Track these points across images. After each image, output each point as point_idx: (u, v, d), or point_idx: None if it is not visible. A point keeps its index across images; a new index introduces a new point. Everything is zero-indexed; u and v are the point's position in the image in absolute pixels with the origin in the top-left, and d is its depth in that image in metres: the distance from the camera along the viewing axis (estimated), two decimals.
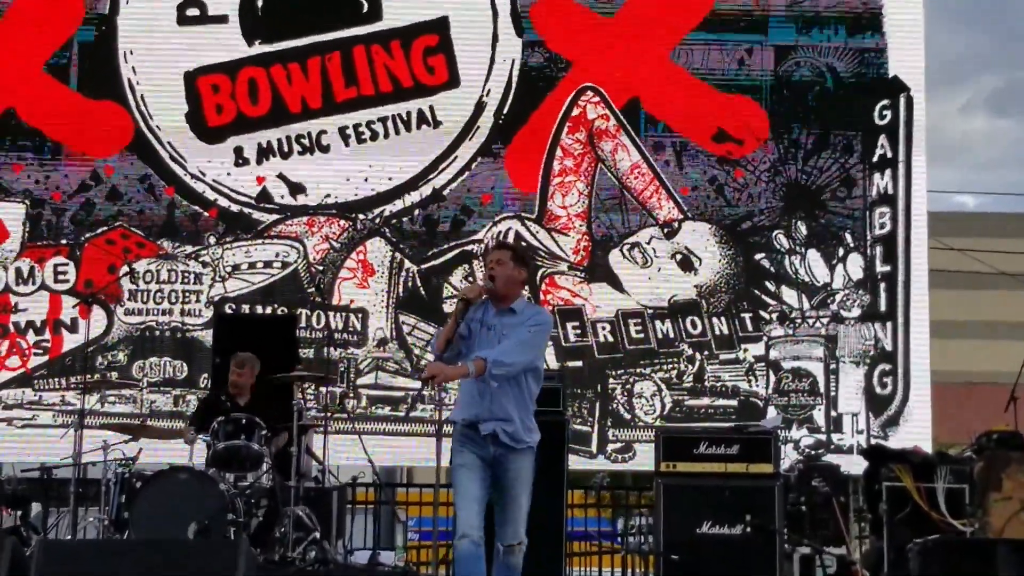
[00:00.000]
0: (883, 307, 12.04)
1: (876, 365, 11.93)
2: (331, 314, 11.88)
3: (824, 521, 8.87)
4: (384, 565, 8.82)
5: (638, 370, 11.90)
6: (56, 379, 11.74)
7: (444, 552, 9.56)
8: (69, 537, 9.04)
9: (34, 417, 11.67)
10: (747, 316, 12.01)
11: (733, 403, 11.81)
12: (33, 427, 11.64)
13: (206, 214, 12.07)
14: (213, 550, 5.49)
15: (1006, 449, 9.06)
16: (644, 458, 11.04)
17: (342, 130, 12.18)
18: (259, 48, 12.27)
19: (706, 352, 11.93)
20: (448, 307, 11.97)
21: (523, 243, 12.02)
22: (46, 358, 11.79)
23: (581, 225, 12.15)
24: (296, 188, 12.14)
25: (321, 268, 11.98)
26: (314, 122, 12.19)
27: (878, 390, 11.89)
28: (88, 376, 11.16)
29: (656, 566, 8.33)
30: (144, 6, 12.32)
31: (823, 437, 11.75)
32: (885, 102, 12.31)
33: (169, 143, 12.12)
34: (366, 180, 12.15)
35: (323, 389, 10.87)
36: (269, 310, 11.90)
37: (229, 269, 11.95)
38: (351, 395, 11.72)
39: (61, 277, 11.90)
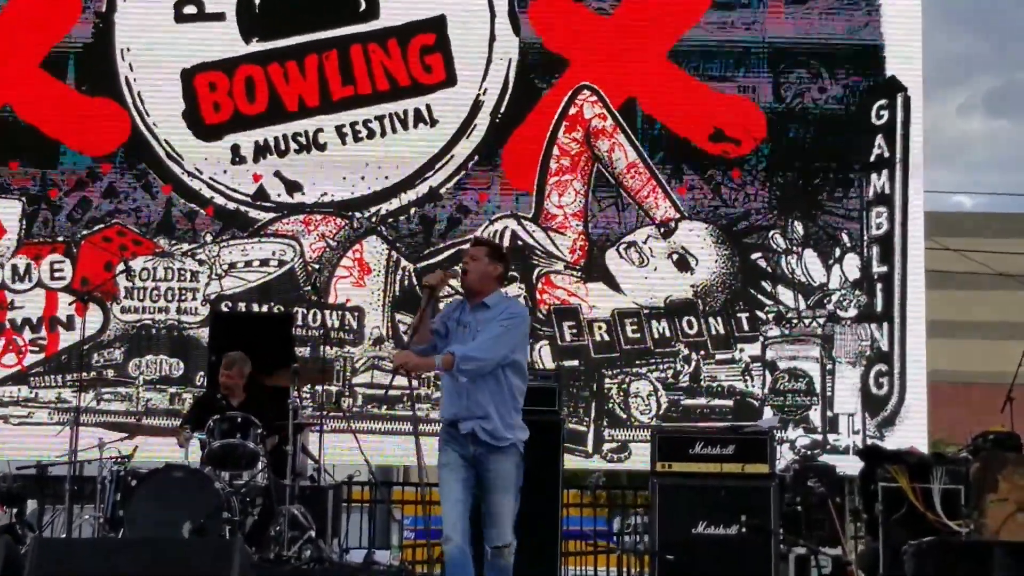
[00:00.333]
0: (879, 307, 12.04)
1: (872, 365, 11.93)
2: (327, 313, 11.87)
3: (820, 521, 8.87)
4: (379, 564, 8.81)
5: (634, 370, 11.90)
6: (52, 376, 11.73)
7: (439, 551, 9.56)
8: (64, 535, 9.03)
9: (30, 415, 11.66)
10: (743, 316, 12.01)
11: (729, 403, 11.81)
12: (29, 424, 11.63)
13: (203, 212, 12.06)
14: (208, 549, 5.48)
15: (1002, 450, 9.05)
16: (640, 458, 11.03)
17: (339, 128, 12.17)
18: (256, 46, 12.26)
19: (702, 352, 11.93)
20: (444, 306, 11.93)
21: (519, 242, 12.02)
22: (42, 355, 11.78)
23: (578, 224, 12.15)
24: (293, 186, 12.14)
25: (317, 267, 11.97)
26: (311, 120, 12.18)
27: (874, 390, 11.89)
28: (84, 374, 11.13)
29: (652, 566, 8.32)
30: (141, 4, 12.31)
31: (819, 437, 11.75)
32: (882, 102, 12.31)
33: (166, 141, 12.11)
34: (362, 178, 12.14)
35: (319, 388, 10.86)
36: (265, 308, 11.89)
37: (225, 267, 11.94)
38: (347, 394, 11.71)
39: (57, 274, 11.89)
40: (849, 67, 12.38)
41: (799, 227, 12.16)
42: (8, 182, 12.05)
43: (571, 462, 10.37)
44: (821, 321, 12.00)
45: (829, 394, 11.86)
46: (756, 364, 11.91)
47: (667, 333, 11.95)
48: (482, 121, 12.22)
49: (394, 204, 12.14)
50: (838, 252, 12.12)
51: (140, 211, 12.03)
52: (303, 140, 12.14)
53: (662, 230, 12.15)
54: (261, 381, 9.09)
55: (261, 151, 12.12)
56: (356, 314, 11.92)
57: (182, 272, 11.93)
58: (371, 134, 12.17)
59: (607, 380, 11.88)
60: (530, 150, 12.20)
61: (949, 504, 8.89)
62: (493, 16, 12.31)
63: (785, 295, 12.05)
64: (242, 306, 11.93)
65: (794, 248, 12.12)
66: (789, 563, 8.39)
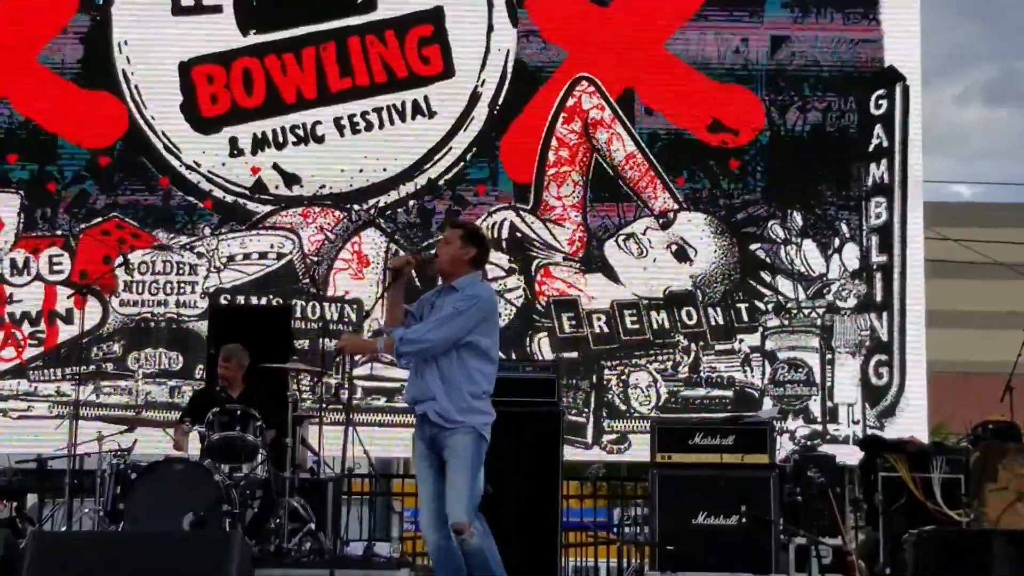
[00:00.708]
0: (879, 297, 12.03)
1: (872, 355, 11.92)
2: (326, 305, 11.86)
3: (820, 512, 8.86)
4: (380, 556, 8.80)
5: (633, 361, 11.89)
6: (51, 370, 11.72)
7: None
8: (64, 528, 9.03)
9: (29, 408, 11.65)
10: (743, 307, 11.99)
11: (729, 394, 11.80)
12: (28, 418, 11.62)
13: (201, 205, 12.05)
14: (208, 541, 5.48)
15: (1002, 439, 9.05)
16: (640, 449, 11.02)
17: (337, 120, 12.15)
18: (254, 38, 12.24)
19: (701, 343, 11.92)
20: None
21: (518, 234, 12.00)
22: (41, 349, 11.78)
23: (576, 216, 12.13)
24: (291, 179, 12.12)
25: (316, 259, 11.96)
26: (309, 112, 12.16)
27: (874, 380, 11.88)
28: (83, 367, 11.13)
29: (651, 556, 8.32)
30: None
31: (819, 427, 11.74)
32: (881, 92, 12.29)
33: (163, 133, 12.09)
34: (361, 171, 12.13)
35: (317, 380, 10.85)
36: (264, 301, 11.88)
37: (224, 260, 11.93)
38: (346, 386, 11.71)
39: (56, 268, 11.88)
40: (848, 57, 12.36)
41: (798, 217, 12.14)
42: (6, 175, 12.03)
43: (570, 453, 10.35)
44: (820, 311, 11.99)
45: (829, 384, 11.86)
46: (755, 355, 11.90)
47: (666, 324, 11.94)
48: (480, 113, 12.21)
49: (392, 196, 12.13)
50: (837, 242, 12.11)
51: (138, 204, 12.01)
52: (301, 132, 12.13)
53: (661, 221, 12.14)
54: (261, 373, 9.08)
55: (259, 144, 12.10)
56: (355, 306, 11.91)
57: (181, 265, 11.92)
58: (369, 126, 12.16)
59: (606, 371, 11.88)
60: (528, 141, 12.18)
61: (949, 493, 8.89)
62: (491, 7, 12.29)
63: (784, 285, 12.04)
64: (241, 299, 11.92)
65: (793, 238, 12.11)
66: (789, 553, 8.39)
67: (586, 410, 11.79)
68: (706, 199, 12.19)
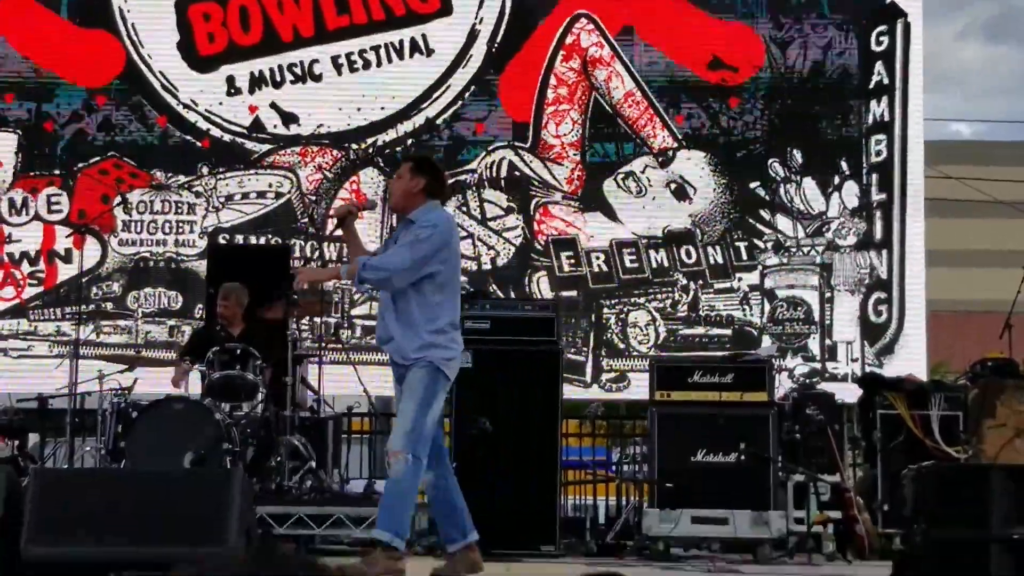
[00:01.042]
0: (878, 235, 12.01)
1: (871, 293, 11.92)
2: (325, 245, 11.84)
3: (818, 449, 8.90)
4: (380, 493, 8.83)
5: (632, 299, 11.89)
6: (51, 310, 11.72)
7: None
8: (66, 467, 9.07)
9: (29, 348, 11.67)
10: (742, 245, 11.98)
11: (727, 332, 11.81)
12: (29, 357, 11.64)
13: (199, 144, 12.00)
14: (210, 479, 5.50)
15: (1001, 376, 9.08)
16: (638, 387, 11.05)
17: (334, 59, 12.07)
18: None
19: (700, 281, 11.92)
20: None
21: (516, 172, 11.96)
22: (41, 289, 11.77)
23: (575, 154, 12.09)
24: (289, 118, 12.06)
25: (314, 198, 11.93)
26: (306, 51, 12.08)
27: (873, 318, 11.89)
28: (83, 307, 11.13)
29: (650, 494, 8.36)
30: None
31: (817, 366, 11.76)
32: (882, 28, 12.21)
33: (161, 72, 12.02)
34: (359, 110, 12.07)
35: (317, 319, 10.87)
36: (263, 241, 11.86)
37: (222, 199, 11.90)
38: (345, 325, 11.72)
39: (54, 207, 11.85)
40: None
41: (798, 155, 12.10)
42: (4, 114, 11.97)
43: (569, 392, 10.37)
44: (820, 249, 11.97)
45: (828, 322, 11.86)
46: (754, 293, 11.90)
47: (665, 263, 11.93)
48: (478, 51, 12.13)
49: (390, 135, 12.08)
50: (837, 180, 12.07)
51: (136, 143, 11.97)
52: (298, 71, 12.06)
53: (660, 159, 12.09)
54: (259, 314, 9.09)
55: (256, 82, 12.03)
56: None
57: (179, 205, 11.89)
58: (367, 64, 12.08)
59: (605, 310, 11.88)
60: (527, 80, 12.11)
61: (947, 431, 8.95)
62: None
63: (784, 223, 12.01)
64: (239, 238, 11.90)
65: (793, 176, 12.07)
66: (787, 490, 8.43)
67: (585, 349, 11.81)
68: (705, 137, 12.14)
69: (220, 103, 12.02)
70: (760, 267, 11.95)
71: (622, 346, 11.82)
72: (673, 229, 11.97)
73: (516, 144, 12.07)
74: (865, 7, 12.28)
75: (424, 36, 12.11)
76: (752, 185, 12.07)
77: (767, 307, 11.89)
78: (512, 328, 8.37)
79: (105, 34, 12.01)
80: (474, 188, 11.99)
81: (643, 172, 12.06)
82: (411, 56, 12.09)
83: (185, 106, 11.99)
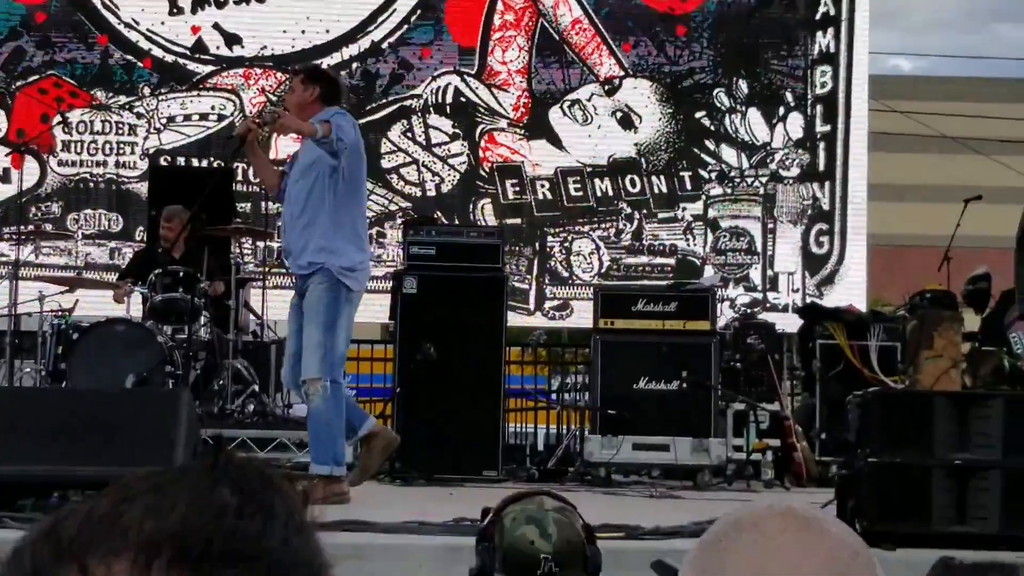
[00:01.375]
0: (822, 167, 12.07)
1: (813, 225, 12.00)
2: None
3: (759, 378, 8.99)
4: None
5: (577, 228, 11.90)
6: None
7: (380, 407, 9.61)
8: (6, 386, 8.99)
9: None
10: (686, 175, 12.00)
11: (671, 262, 11.85)
12: None
13: (140, 64, 11.80)
14: (154, 400, 5.47)
15: (938, 308, 9.19)
16: (581, 315, 11.10)
17: None
18: None
19: (645, 211, 11.94)
20: (386, 162, 11.86)
21: (462, 99, 11.88)
22: None
23: (521, 81, 12.02)
24: (232, 39, 11.88)
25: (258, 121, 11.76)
26: None
27: (814, 249, 11.97)
28: (22, 227, 10.96)
29: (592, 421, 8.42)
30: None
31: (759, 296, 11.84)
32: None
33: None
34: (303, 32, 11.91)
35: (260, 243, 10.79)
36: (205, 163, 11.73)
37: (164, 121, 11.74)
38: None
39: None
40: None
41: (743, 85, 12.10)
42: None
43: (513, 319, 10.38)
44: (764, 180, 12.02)
45: (770, 253, 11.93)
46: (698, 223, 11.94)
47: (610, 192, 11.94)
48: None
49: (335, 59, 11.94)
50: (782, 111, 12.09)
51: (76, 62, 11.74)
52: None
53: (606, 88, 12.06)
54: (201, 232, 9.00)
55: (199, 2, 11.83)
56: None
57: (120, 125, 11.71)
58: None
59: (549, 238, 11.88)
60: (474, 5, 12.00)
61: (885, 361, 9.06)
62: None
63: (728, 154, 12.04)
64: (181, 161, 11.76)
65: (738, 107, 12.08)
66: (728, 418, 8.52)
67: (528, 276, 11.81)
68: (652, 66, 12.11)
69: (162, 23, 11.81)
70: (704, 197, 11.98)
71: (566, 274, 11.83)
72: (618, 158, 11.96)
73: (462, 70, 11.98)
74: None
75: None
76: (697, 115, 12.07)
77: (710, 237, 11.94)
78: (457, 254, 8.35)
79: None
80: (419, 113, 11.91)
81: (589, 100, 12.02)
82: None
83: (126, 25, 11.77)
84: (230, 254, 8.98)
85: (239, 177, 11.57)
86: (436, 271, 8.25)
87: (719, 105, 12.07)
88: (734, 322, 9.84)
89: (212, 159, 11.74)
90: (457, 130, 11.92)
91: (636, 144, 11.98)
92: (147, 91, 11.74)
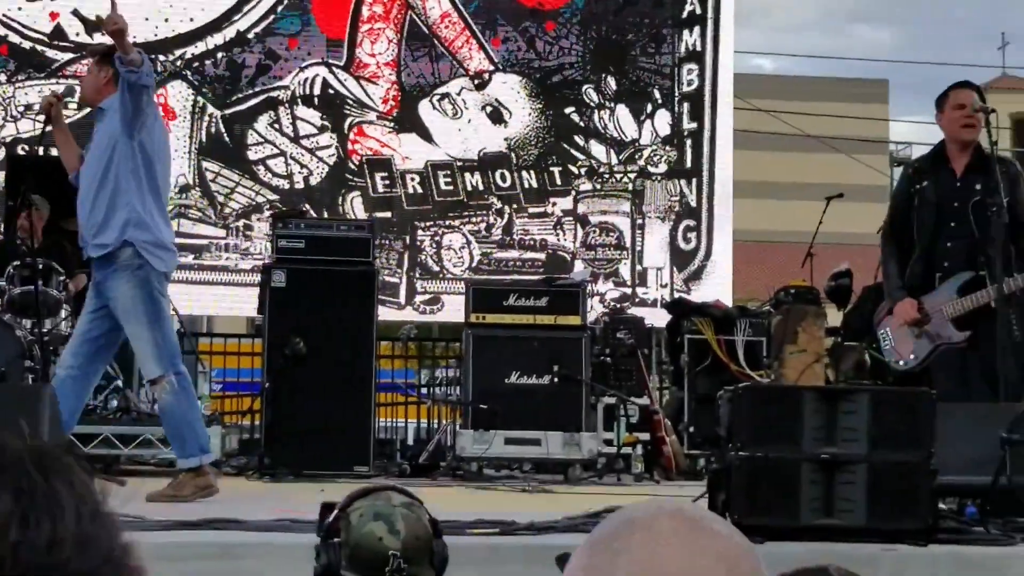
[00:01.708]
0: (689, 163, 12.20)
1: (681, 221, 12.12)
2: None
3: (628, 372, 9.07)
4: None
5: (447, 222, 11.86)
6: None
7: (248, 403, 9.48)
8: None
9: None
10: (556, 170, 12.03)
11: (541, 256, 11.88)
12: None
13: None
14: (15, 396, 5.30)
15: (802, 303, 9.37)
16: (452, 310, 11.06)
17: None
18: None
19: (515, 205, 11.94)
20: (253, 154, 11.70)
21: (331, 91, 11.75)
22: None
23: (391, 74, 11.94)
24: (92, 26, 11.58)
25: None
26: None
27: (682, 245, 12.09)
28: None
29: (464, 416, 8.40)
30: None
31: (628, 291, 11.93)
32: None
33: None
34: (166, 20, 11.68)
35: None
36: None
37: (21, 109, 11.41)
38: None
39: None
40: None
41: (612, 82, 12.17)
42: None
43: (383, 313, 10.30)
44: (632, 176, 12.10)
45: (639, 248, 12.03)
46: (568, 218, 11.98)
47: (480, 186, 11.92)
48: None
49: (200, 48, 11.72)
50: (650, 108, 12.19)
51: None
52: None
53: (476, 82, 12.03)
54: (62, 226, 8.77)
55: None
56: None
57: None
58: None
59: (420, 232, 11.82)
60: None
61: (751, 355, 9.21)
62: None
63: (598, 150, 12.10)
64: (40, 150, 11.44)
65: (607, 103, 12.15)
66: (598, 412, 8.56)
67: (399, 270, 11.74)
68: (521, 61, 12.12)
69: (19, 8, 11.47)
70: (574, 192, 12.03)
71: (436, 268, 11.79)
72: (488, 152, 11.94)
73: (330, 62, 11.86)
74: None
75: None
76: (567, 111, 12.11)
77: (580, 232, 11.99)
78: (327, 248, 8.27)
79: None
80: (287, 105, 11.75)
81: (459, 94, 11.99)
82: None
83: None
84: None
85: None
86: (305, 265, 8.16)
87: (588, 101, 12.13)
88: (604, 317, 9.90)
89: None
90: (325, 122, 11.79)
91: (506, 139, 11.98)
92: (3, 78, 11.41)
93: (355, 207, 11.69)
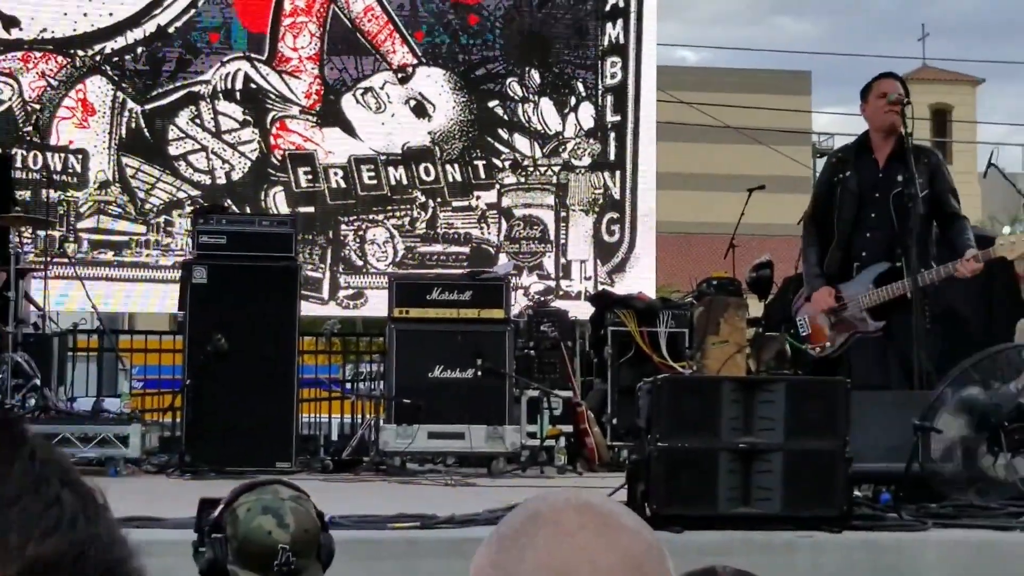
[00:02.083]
0: (612, 156, 12.26)
1: (604, 213, 12.18)
2: (49, 155, 11.32)
3: (552, 365, 9.10)
4: (109, 412, 8.60)
5: (371, 216, 11.83)
6: None
7: (168, 400, 9.40)
8: None
9: None
10: (480, 164, 12.04)
11: (465, 250, 11.89)
12: None
13: None
14: None
15: (724, 294, 9.45)
16: (376, 304, 11.03)
17: None
18: None
19: (439, 199, 11.94)
20: (174, 149, 11.60)
21: (252, 85, 11.69)
22: None
23: (313, 68, 11.88)
24: (9, 21, 11.44)
25: (38, 107, 11.38)
26: None
27: (606, 238, 12.15)
28: None
29: (387, 410, 8.38)
30: None
31: (552, 283, 11.97)
32: None
33: None
34: (85, 15, 11.55)
35: (41, 233, 10.44)
36: None
37: None
38: (71, 239, 11.28)
39: None
40: None
41: (535, 75, 12.20)
42: None
43: (306, 309, 10.27)
44: (556, 169, 12.15)
45: (563, 241, 12.07)
46: (492, 211, 12.00)
47: (404, 180, 11.90)
48: None
49: (120, 43, 11.60)
50: (573, 101, 12.23)
51: None
52: None
53: (399, 76, 12.01)
54: None
55: None
56: (80, 156, 11.43)
57: None
58: None
59: (343, 227, 11.78)
60: None
61: (674, 346, 9.28)
62: None
63: (521, 143, 12.13)
64: None
65: (530, 96, 12.17)
66: (522, 405, 8.59)
67: (322, 265, 11.70)
68: (445, 55, 12.11)
69: None
70: (498, 186, 12.04)
71: (360, 263, 11.76)
72: (412, 146, 11.93)
73: (252, 56, 11.78)
74: None
75: None
76: (491, 104, 12.13)
77: (504, 225, 12.01)
78: (249, 244, 8.20)
79: None
80: (208, 100, 11.66)
81: (382, 88, 11.96)
82: None
83: None
84: (8, 244, 8.63)
85: (18, 164, 11.16)
86: (227, 260, 8.09)
87: (512, 94, 12.15)
88: (528, 310, 9.93)
89: None
90: (248, 117, 11.72)
91: (430, 132, 11.97)
92: None
93: (278, 202, 11.63)
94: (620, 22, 12.33)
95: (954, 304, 7.48)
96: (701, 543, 4.72)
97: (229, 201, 11.34)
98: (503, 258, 11.73)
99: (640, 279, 11.88)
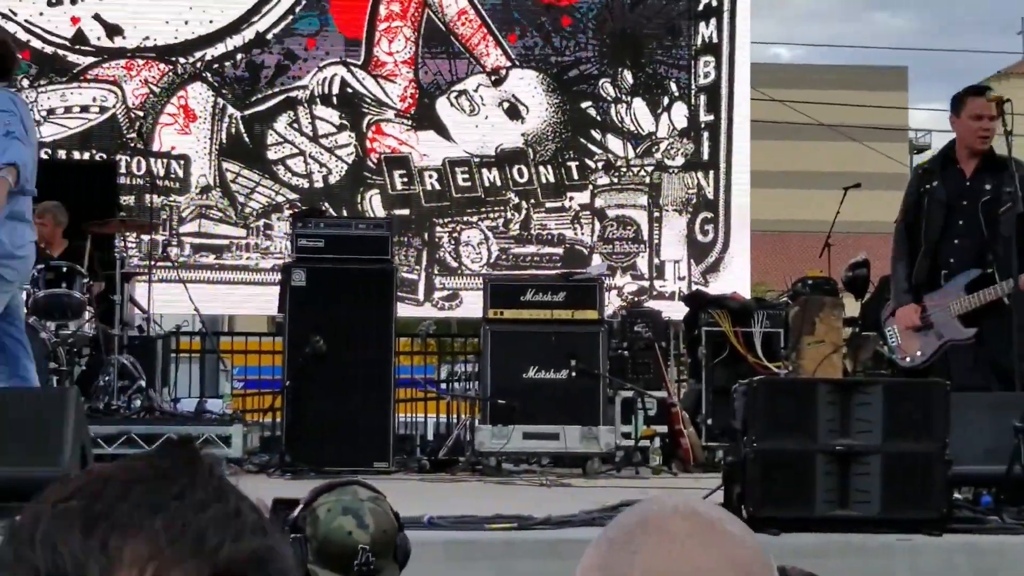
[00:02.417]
0: (706, 156, 12.23)
1: (698, 213, 12.16)
2: (152, 160, 11.58)
3: (646, 365, 9.09)
4: (212, 412, 8.78)
5: (465, 218, 11.93)
6: None
7: (269, 401, 9.56)
8: None
9: None
10: (573, 165, 12.09)
11: (559, 251, 11.94)
12: None
13: (19, 56, 11.55)
14: (41, 399, 5.38)
15: (820, 294, 9.39)
16: (471, 305, 11.12)
17: None
18: None
19: (532, 200, 12.01)
20: (272, 154, 11.79)
21: (349, 89, 11.83)
22: None
23: (408, 72, 12.01)
24: (113, 30, 11.70)
25: (141, 113, 11.63)
26: None
27: (699, 238, 12.14)
28: None
29: (482, 411, 8.45)
30: None
31: (646, 284, 11.98)
32: None
33: None
34: (186, 23, 11.78)
35: (145, 237, 10.67)
36: (87, 156, 11.54)
37: (44, 113, 11.52)
38: (174, 243, 11.52)
39: None
40: None
41: (628, 76, 12.22)
42: None
43: (402, 310, 10.39)
44: (649, 169, 12.15)
45: (656, 241, 12.08)
46: (585, 212, 12.04)
47: (497, 182, 11.99)
48: None
49: (220, 49, 11.82)
50: (666, 101, 12.23)
51: None
52: None
53: (493, 78, 12.09)
54: (84, 230, 8.86)
55: None
56: (182, 162, 11.67)
57: None
58: None
59: (438, 228, 11.89)
60: None
61: (769, 346, 9.23)
62: None
63: (614, 144, 12.15)
64: (62, 154, 11.55)
65: (623, 97, 12.19)
66: (616, 405, 8.60)
67: (418, 267, 11.82)
68: (538, 57, 12.17)
69: (41, 13, 11.59)
70: (591, 187, 12.08)
71: (455, 264, 11.86)
72: (505, 148, 12.01)
73: (348, 61, 11.94)
74: None
75: None
76: (583, 105, 12.17)
77: (597, 226, 12.04)
78: (346, 246, 8.32)
79: None
80: (306, 104, 11.84)
81: (476, 91, 12.06)
82: None
83: (3, 16, 11.54)
84: (114, 249, 8.84)
85: (122, 170, 11.42)
86: (324, 263, 8.21)
87: (605, 95, 12.18)
88: (621, 310, 9.94)
89: (94, 152, 11.56)
90: (344, 121, 11.88)
91: (523, 134, 12.04)
92: (26, 83, 11.52)
93: (374, 205, 11.78)
94: (713, 21, 12.31)
95: None
96: (797, 546, 4.71)
97: (326, 204, 11.51)
98: (596, 259, 11.76)
99: (734, 279, 11.85)
